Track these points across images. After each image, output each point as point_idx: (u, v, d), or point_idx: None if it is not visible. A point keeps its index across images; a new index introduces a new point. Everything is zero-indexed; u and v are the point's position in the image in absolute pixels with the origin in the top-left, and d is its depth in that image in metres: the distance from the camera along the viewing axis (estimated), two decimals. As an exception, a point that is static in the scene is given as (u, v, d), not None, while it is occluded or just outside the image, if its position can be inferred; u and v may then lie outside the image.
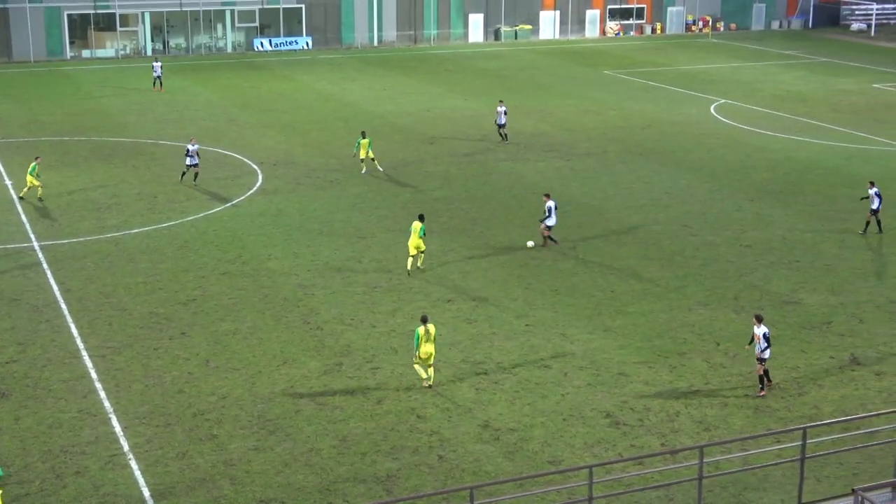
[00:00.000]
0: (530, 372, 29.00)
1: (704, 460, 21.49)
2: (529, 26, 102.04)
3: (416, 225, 36.18)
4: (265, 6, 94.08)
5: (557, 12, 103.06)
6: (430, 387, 27.93)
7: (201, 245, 39.60)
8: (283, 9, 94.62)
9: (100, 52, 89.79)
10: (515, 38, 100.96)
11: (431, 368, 28.08)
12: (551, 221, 39.37)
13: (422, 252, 36.61)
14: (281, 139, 57.82)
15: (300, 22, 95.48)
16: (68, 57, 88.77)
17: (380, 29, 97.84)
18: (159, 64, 73.77)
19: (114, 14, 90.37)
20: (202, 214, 43.41)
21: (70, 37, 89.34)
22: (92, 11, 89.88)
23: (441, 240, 40.12)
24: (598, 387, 28.10)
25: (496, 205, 45.12)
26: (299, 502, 22.74)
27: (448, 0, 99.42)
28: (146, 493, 23.04)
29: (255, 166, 51.58)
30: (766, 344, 27.14)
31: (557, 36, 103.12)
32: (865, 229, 40.83)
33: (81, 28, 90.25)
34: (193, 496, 22.91)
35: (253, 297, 34.44)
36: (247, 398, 27.38)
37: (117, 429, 25.79)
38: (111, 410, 26.72)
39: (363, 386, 28.12)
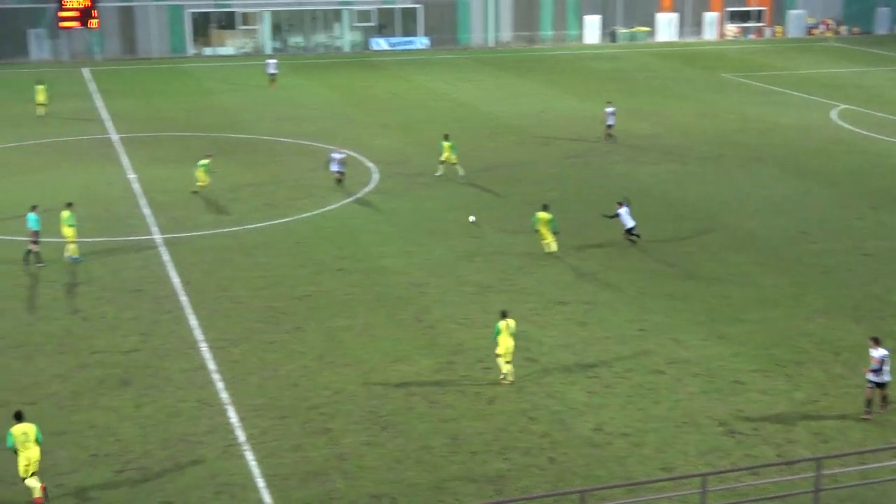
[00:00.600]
0: (643, 377, 28.77)
1: (822, 472, 21.15)
2: (646, 28, 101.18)
3: (543, 216, 37.76)
4: (383, 6, 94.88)
5: (675, 14, 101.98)
6: (511, 383, 28.03)
7: (317, 241, 40.13)
8: (401, 9, 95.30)
9: (221, 50, 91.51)
10: (632, 39, 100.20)
11: (510, 365, 28.17)
12: (628, 225, 39.77)
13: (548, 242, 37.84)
14: (396, 138, 58.26)
15: (417, 22, 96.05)
16: (190, 54, 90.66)
17: (496, 30, 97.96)
18: (274, 61, 75.55)
19: (234, 13, 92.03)
20: (318, 211, 43.98)
21: (192, 34, 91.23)
22: (214, 10, 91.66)
23: (555, 241, 39.97)
24: (712, 394, 27.76)
25: (610, 208, 44.77)
26: (410, 499, 22.90)
27: (564, 1, 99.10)
28: (261, 483, 23.42)
29: (370, 165, 52.06)
30: (878, 366, 26.16)
31: (675, 38, 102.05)
32: None
33: (203, 26, 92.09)
34: (306, 488, 23.24)
35: (366, 295, 34.77)
36: (360, 394, 27.66)
37: (233, 419, 26.28)
38: (228, 401, 27.23)
39: (475, 385, 28.19)
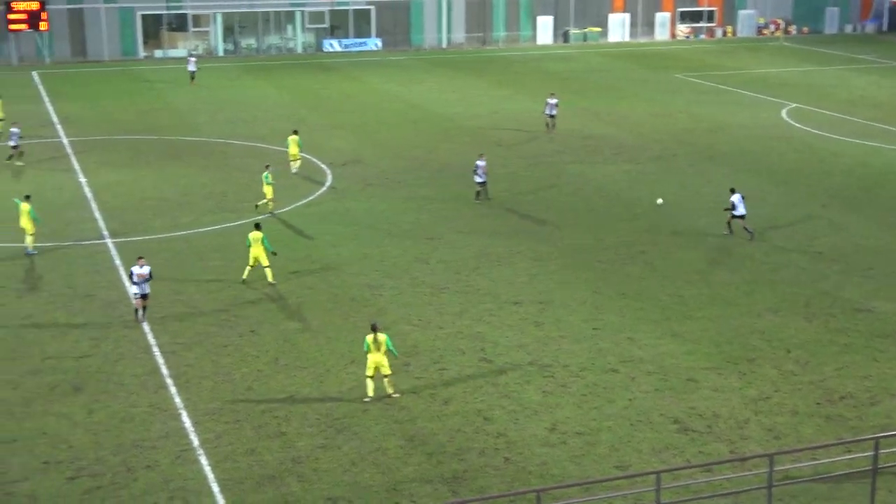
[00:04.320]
0: (597, 376, 28.90)
1: (774, 468, 21.32)
2: (599, 29, 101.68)
3: (256, 235, 35.43)
4: (335, 7, 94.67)
5: (627, 15, 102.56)
6: (390, 396, 27.32)
7: (271, 243, 39.88)
8: (353, 10, 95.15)
9: (172, 52, 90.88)
10: (584, 40, 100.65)
11: (387, 380, 27.38)
12: (739, 212, 40.23)
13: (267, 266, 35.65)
14: (350, 140, 58.15)
15: (370, 23, 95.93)
16: (141, 57, 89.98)
17: (449, 31, 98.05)
18: (194, 59, 78.83)
19: (186, 14, 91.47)
20: (271, 214, 43.75)
21: (143, 37, 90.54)
22: (165, 12, 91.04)
23: (509, 242, 40.12)
24: (666, 392, 27.92)
25: (564, 207, 45.01)
26: (366, 501, 22.86)
27: (517, 2, 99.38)
28: (215, 488, 23.28)
29: (324, 166, 51.92)
30: None
31: (627, 38, 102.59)
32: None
33: (154, 28, 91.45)
34: (262, 492, 23.12)
35: (321, 297, 34.68)
36: (315, 396, 27.57)
37: (187, 424, 26.11)
38: (181, 406, 27.05)
39: (430, 386, 28.18)
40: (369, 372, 27.21)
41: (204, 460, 24.42)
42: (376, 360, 27.08)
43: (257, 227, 36.12)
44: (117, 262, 37.87)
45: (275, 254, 36.07)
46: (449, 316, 33.09)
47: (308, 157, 53.46)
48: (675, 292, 35.16)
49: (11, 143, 52.08)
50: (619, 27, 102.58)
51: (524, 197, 46.57)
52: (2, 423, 26.01)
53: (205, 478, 23.69)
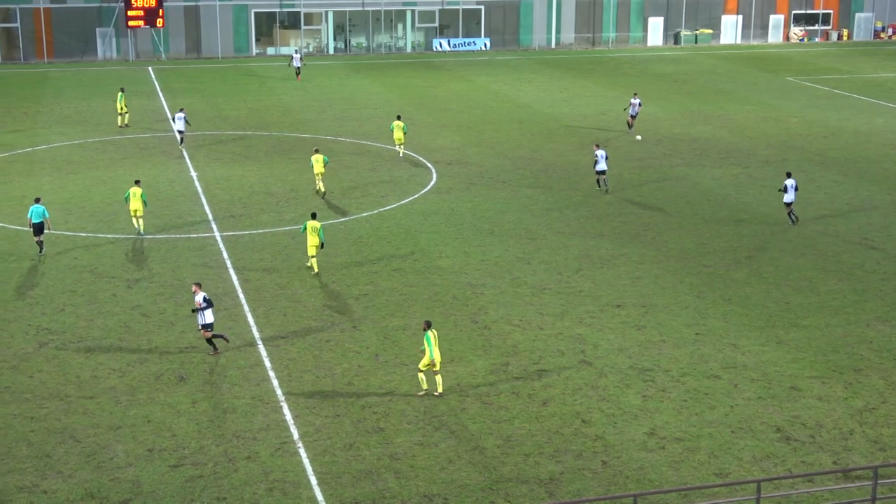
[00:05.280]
0: (699, 381, 28.55)
1: (879, 482, 20.85)
2: (710, 31, 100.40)
3: (314, 224, 36.23)
4: (445, 7, 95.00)
5: (740, 17, 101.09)
6: (440, 395, 27.50)
7: (375, 241, 40.29)
8: (463, 10, 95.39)
9: (284, 50, 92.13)
10: (696, 42, 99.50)
11: (438, 377, 27.54)
12: (788, 198, 41.94)
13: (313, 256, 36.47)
14: (456, 139, 58.32)
15: (479, 23, 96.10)
16: (254, 54, 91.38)
17: (558, 31, 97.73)
18: (299, 55, 79.89)
19: (299, 12, 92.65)
20: (377, 211, 44.14)
21: (256, 34, 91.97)
22: (278, 10, 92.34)
23: (612, 244, 39.86)
24: (768, 400, 27.47)
25: (669, 210, 44.55)
26: (462, 500, 22.91)
27: (628, 3, 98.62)
28: (313, 481, 23.55)
29: (429, 165, 52.16)
30: None
31: (739, 41, 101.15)
32: None
33: (267, 26, 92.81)
34: (359, 487, 23.32)
35: (423, 294, 34.85)
36: (414, 393, 27.69)
37: (288, 417, 26.45)
38: (283, 399, 27.42)
39: (529, 387, 28.14)
40: (437, 367, 27.37)
41: (303, 453, 24.72)
42: (432, 356, 27.18)
43: (313, 216, 37.12)
44: (225, 255, 38.53)
45: (322, 246, 36.70)
46: (549, 317, 32.99)
47: (414, 155, 53.77)
48: (781, 299, 34.56)
49: (178, 129, 55.13)
50: (731, 29, 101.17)
51: (629, 199, 46.19)
52: (108, 410, 26.66)
53: (303, 470, 23.99)
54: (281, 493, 23.04)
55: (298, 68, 78.61)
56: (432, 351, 27.00)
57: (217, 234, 41.07)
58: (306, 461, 24.38)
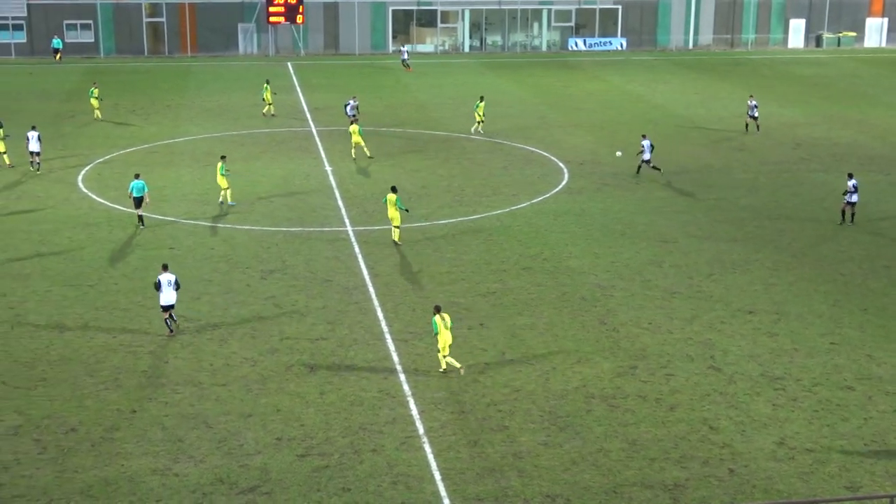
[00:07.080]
0: (832, 392, 27.90)
1: None
2: (854, 33, 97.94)
3: (391, 197, 39.30)
4: (582, 6, 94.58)
5: (885, 19, 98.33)
6: (460, 368, 28.60)
7: (504, 239, 40.34)
8: (600, 9, 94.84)
9: (420, 48, 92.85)
10: (838, 45, 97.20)
11: (449, 357, 28.66)
12: (853, 199, 41.98)
13: (396, 227, 39.28)
14: (589, 139, 58.03)
15: (616, 23, 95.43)
16: (390, 51, 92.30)
17: (696, 32, 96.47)
18: (406, 49, 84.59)
19: (435, 10, 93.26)
20: (507, 209, 44.19)
21: (393, 32, 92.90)
22: (415, 7, 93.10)
23: (745, 249, 39.20)
24: (904, 414, 26.74)
25: (805, 216, 43.61)
26: (585, 501, 22.81)
27: (769, 4, 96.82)
28: (437, 476, 23.70)
29: (561, 165, 52.01)
30: None
31: (884, 44, 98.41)
32: None
33: (404, 23, 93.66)
34: (482, 484, 23.40)
35: (551, 294, 34.77)
36: (539, 393, 27.68)
37: (414, 412, 26.67)
38: (409, 393, 27.66)
39: (656, 391, 27.86)
40: (444, 351, 28.52)
41: (427, 448, 24.90)
42: (445, 339, 28.36)
43: (393, 189, 39.90)
44: (356, 249, 39.03)
45: (407, 211, 39.55)
46: (679, 321, 32.61)
47: (546, 154, 53.68)
48: (920, 310, 33.59)
49: (351, 115, 58.63)
50: (875, 32, 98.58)
51: (764, 204, 45.36)
52: (239, 398, 27.25)
53: (427, 465, 24.16)
54: (405, 487, 23.25)
55: (405, 60, 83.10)
56: (439, 335, 28.35)
57: (349, 229, 41.61)
58: (430, 456, 24.55)
